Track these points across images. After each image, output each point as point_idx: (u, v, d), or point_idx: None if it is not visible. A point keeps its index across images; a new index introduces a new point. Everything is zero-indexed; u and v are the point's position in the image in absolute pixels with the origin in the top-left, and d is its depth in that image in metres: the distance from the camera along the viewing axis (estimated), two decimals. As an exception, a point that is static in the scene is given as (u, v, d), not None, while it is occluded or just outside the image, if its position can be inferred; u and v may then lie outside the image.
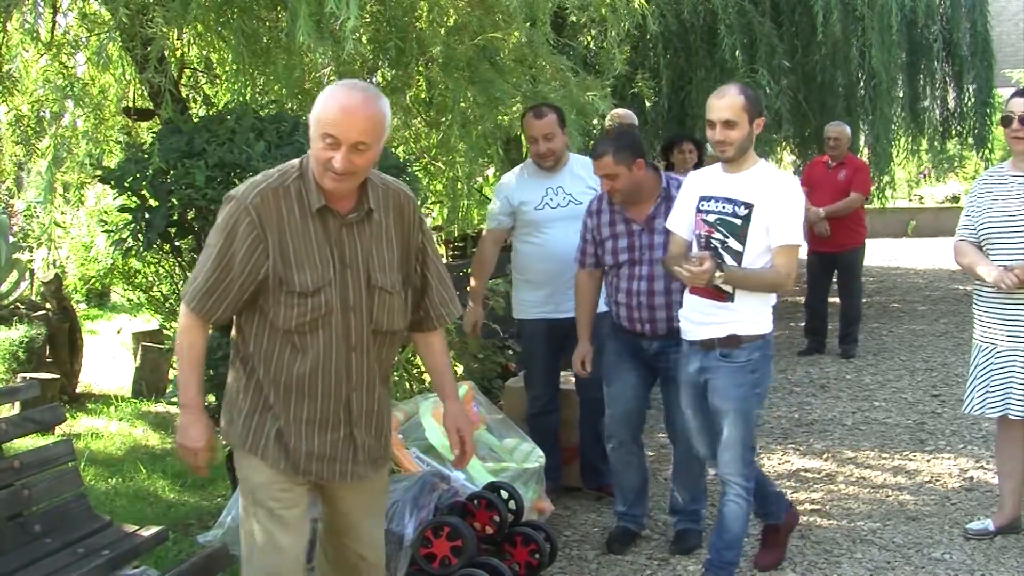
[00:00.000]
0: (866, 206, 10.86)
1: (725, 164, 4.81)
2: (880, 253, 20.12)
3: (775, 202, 4.66)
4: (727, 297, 4.74)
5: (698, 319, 4.86)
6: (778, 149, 15.58)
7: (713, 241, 4.75)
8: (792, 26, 12.58)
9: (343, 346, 3.43)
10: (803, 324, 11.19)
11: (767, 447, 7.45)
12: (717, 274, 4.55)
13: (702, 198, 4.84)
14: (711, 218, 4.78)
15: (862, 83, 13.51)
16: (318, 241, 3.37)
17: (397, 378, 6.86)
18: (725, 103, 4.66)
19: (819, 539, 5.69)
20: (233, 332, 3.56)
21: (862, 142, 14.15)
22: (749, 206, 4.68)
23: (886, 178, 14.50)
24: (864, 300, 13.20)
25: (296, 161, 3.44)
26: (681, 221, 4.98)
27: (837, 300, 10.87)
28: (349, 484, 3.63)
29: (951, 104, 15.45)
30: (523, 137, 6.69)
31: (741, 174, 4.76)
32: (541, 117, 6.01)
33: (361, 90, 3.29)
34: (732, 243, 4.71)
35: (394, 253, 3.54)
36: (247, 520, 3.56)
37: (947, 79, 14.98)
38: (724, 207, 4.74)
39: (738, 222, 4.70)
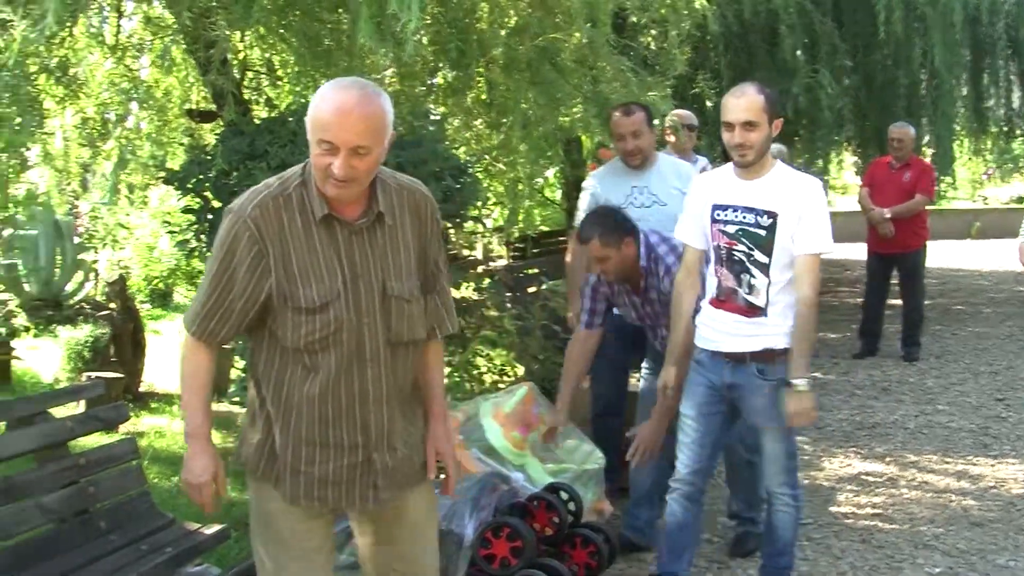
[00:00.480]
0: (930, 207, 10.72)
1: (741, 169, 4.46)
2: (942, 255, 19.88)
3: (801, 209, 4.35)
4: (759, 312, 4.44)
5: (726, 329, 4.52)
6: (839, 150, 15.45)
7: (736, 253, 4.45)
8: (853, 25, 12.46)
9: (357, 363, 3.12)
10: (854, 327, 11.07)
11: (828, 450, 7.39)
12: (801, 385, 4.31)
13: (716, 207, 4.51)
14: (731, 229, 4.45)
15: (924, 82, 13.36)
16: (324, 252, 3.07)
17: (458, 379, 6.87)
18: (744, 103, 4.33)
19: (881, 544, 5.63)
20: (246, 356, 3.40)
21: (924, 142, 13.98)
22: (773, 215, 4.36)
23: (947, 179, 14.31)
24: (927, 302, 13.07)
25: (298, 167, 3.14)
26: (693, 230, 4.68)
27: (898, 302, 10.75)
28: (379, 511, 3.34)
29: (1016, 103, 15.22)
30: (608, 136, 6.66)
31: (760, 180, 4.43)
32: (629, 114, 6.01)
33: (358, 88, 2.97)
34: (758, 255, 4.40)
35: (411, 257, 3.23)
36: (257, 549, 3.34)
37: (1011, 78, 14.74)
38: (745, 217, 4.42)
39: (762, 233, 4.38)
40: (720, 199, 4.50)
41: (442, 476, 3.50)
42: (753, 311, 4.44)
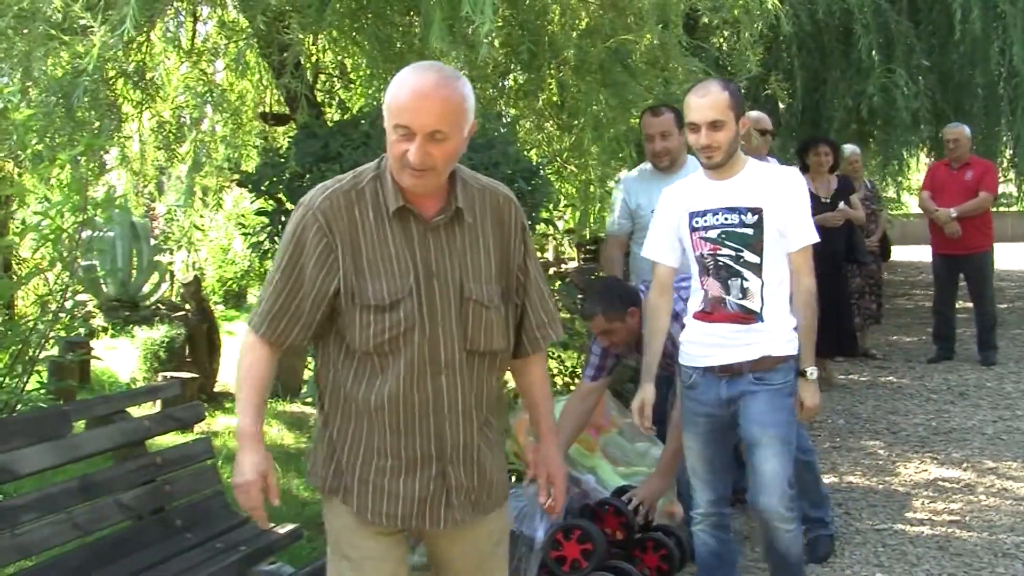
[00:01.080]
0: (1007, 209, 10.57)
1: (711, 171, 4.20)
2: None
3: (785, 200, 4.14)
4: (755, 317, 4.15)
5: (717, 342, 4.21)
6: (915, 151, 15.26)
7: (721, 259, 4.14)
8: (929, 24, 12.31)
9: (430, 368, 2.92)
10: (930, 331, 10.94)
11: (903, 455, 7.30)
12: (809, 372, 4.23)
13: (693, 214, 4.21)
14: (713, 234, 4.16)
15: (1002, 82, 13.15)
16: (396, 247, 2.89)
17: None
18: (709, 102, 4.06)
19: (959, 551, 5.54)
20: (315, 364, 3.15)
21: (1003, 143, 13.77)
22: (757, 211, 4.11)
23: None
24: (1005, 305, 12.87)
25: (372, 163, 2.99)
26: (663, 246, 4.39)
27: (970, 305, 10.59)
28: (446, 531, 3.09)
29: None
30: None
31: (736, 178, 4.18)
32: (658, 115, 5.93)
33: (436, 71, 2.82)
34: (748, 256, 4.12)
35: (491, 261, 3.01)
36: (331, 570, 3.15)
37: (1093, 77, 14.47)
38: (727, 218, 4.14)
39: (749, 231, 4.11)
40: (696, 206, 4.22)
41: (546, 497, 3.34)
42: (748, 317, 4.16)
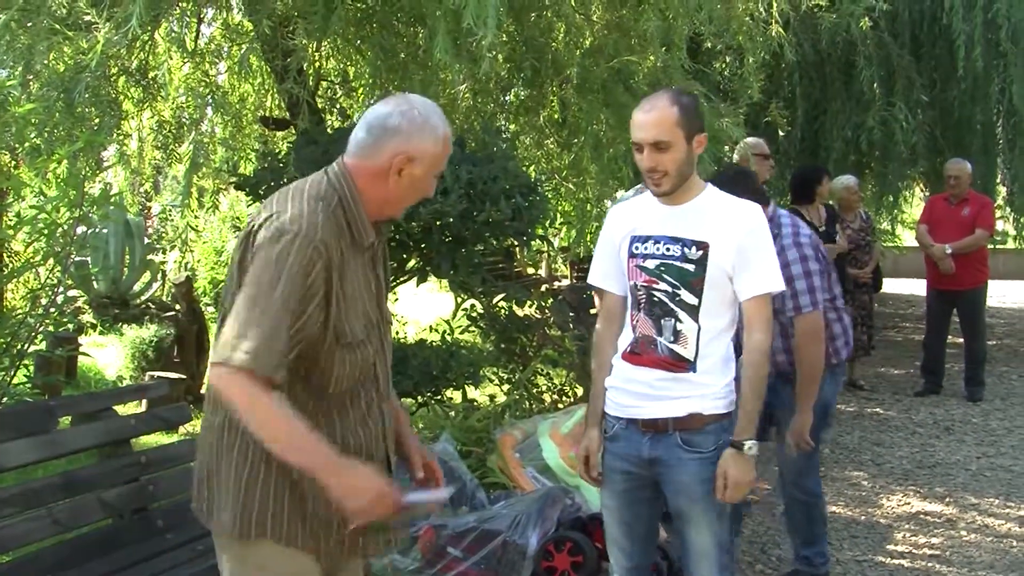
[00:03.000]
0: (1002, 246, 10.59)
1: (660, 197, 3.64)
2: (1016, 294, 19.63)
3: (739, 239, 3.54)
4: (686, 366, 3.59)
5: (642, 391, 3.64)
6: (911, 185, 15.30)
7: (656, 294, 3.59)
8: (931, 60, 12.35)
9: (377, 399, 2.90)
10: (918, 364, 10.95)
11: (887, 487, 7.30)
12: (747, 447, 3.51)
13: (635, 238, 3.68)
14: (651, 264, 3.61)
15: (1001, 120, 13.20)
16: (361, 280, 2.82)
17: (517, 397, 6.87)
18: (653, 119, 3.49)
19: (939, 585, 5.56)
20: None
21: (999, 180, 13.81)
22: (703, 246, 3.54)
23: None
24: (994, 342, 12.87)
25: (325, 186, 2.82)
26: (608, 272, 3.84)
27: (959, 340, 10.61)
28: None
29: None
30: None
31: (686, 206, 3.61)
32: None
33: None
34: (685, 295, 3.56)
35: (386, 271, 3.08)
36: None
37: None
38: (669, 249, 3.58)
39: (691, 268, 3.55)
40: (640, 230, 3.69)
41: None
42: (679, 364, 3.58)
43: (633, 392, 3.66)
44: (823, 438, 5.38)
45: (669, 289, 3.57)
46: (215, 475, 2.79)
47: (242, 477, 2.73)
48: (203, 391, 9.57)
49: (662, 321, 3.58)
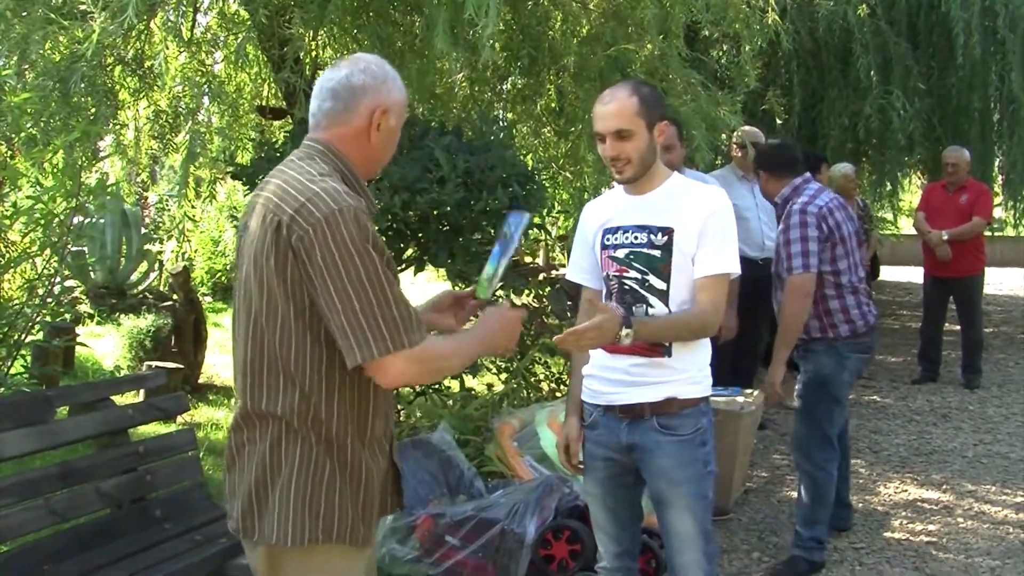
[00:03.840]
0: (1000, 234, 10.58)
1: (627, 186, 3.74)
2: (1013, 282, 19.63)
3: (702, 222, 3.59)
4: (662, 351, 3.63)
5: (618, 378, 3.70)
6: (909, 173, 15.30)
7: (627, 282, 3.67)
8: (929, 47, 12.33)
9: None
10: (915, 351, 10.96)
11: (884, 475, 7.30)
12: (624, 332, 3.38)
13: (606, 231, 3.76)
14: (621, 253, 3.69)
15: (999, 107, 13.19)
16: None
17: (515, 386, 6.88)
18: (613, 109, 3.58)
19: (934, 572, 5.54)
20: (290, 399, 2.68)
21: (996, 168, 13.81)
22: (668, 231, 3.61)
23: (1022, 205, 14.11)
24: (991, 330, 12.88)
25: (319, 164, 2.77)
26: (584, 266, 3.91)
27: (956, 327, 10.62)
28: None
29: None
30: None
31: (651, 194, 3.70)
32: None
33: None
34: (653, 280, 3.63)
35: None
36: None
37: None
38: (636, 237, 3.67)
39: (657, 253, 3.62)
40: (609, 221, 3.78)
41: None
42: (654, 349, 3.63)
43: (609, 379, 3.73)
44: (825, 415, 5.49)
45: (639, 276, 3.65)
46: (268, 489, 2.71)
47: (308, 484, 2.69)
48: (200, 381, 9.60)
49: (634, 308, 3.63)
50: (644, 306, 3.63)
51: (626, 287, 3.67)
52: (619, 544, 3.91)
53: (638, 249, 3.65)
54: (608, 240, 3.73)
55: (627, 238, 3.68)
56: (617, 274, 3.69)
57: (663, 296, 3.61)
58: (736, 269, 3.66)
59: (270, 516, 2.70)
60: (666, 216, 3.63)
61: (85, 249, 12.00)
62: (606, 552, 3.95)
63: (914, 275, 13.43)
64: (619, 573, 3.95)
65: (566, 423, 3.92)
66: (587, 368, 3.84)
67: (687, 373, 3.65)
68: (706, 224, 3.59)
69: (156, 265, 14.17)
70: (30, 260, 5.82)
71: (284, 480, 2.69)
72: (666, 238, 3.60)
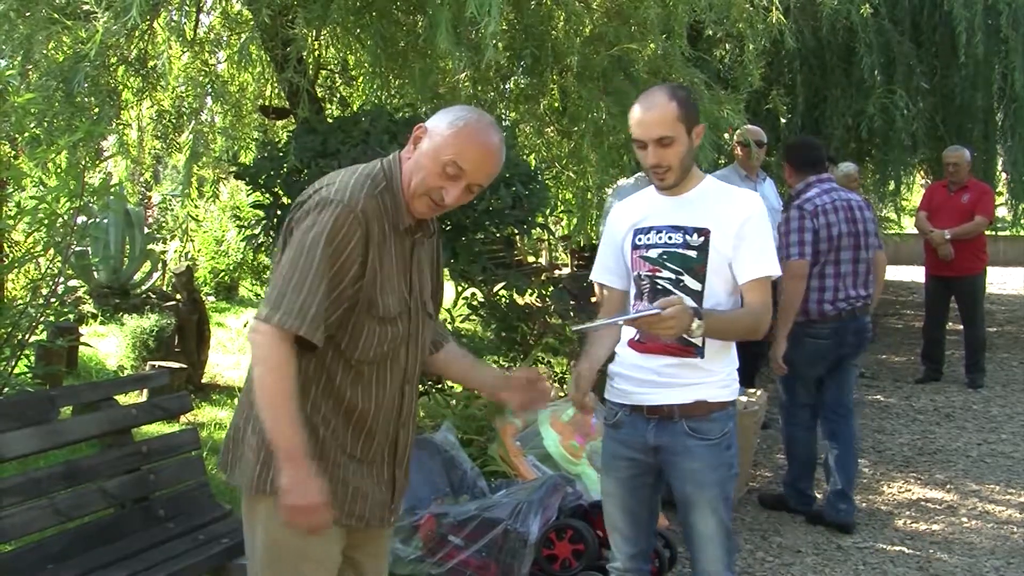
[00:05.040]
0: (1003, 233, 10.58)
1: (664, 191, 3.74)
2: (1016, 281, 19.60)
3: (738, 225, 3.61)
4: (694, 352, 3.63)
5: (648, 378, 3.70)
6: (912, 172, 15.27)
7: (660, 282, 3.66)
8: (932, 46, 12.32)
9: (401, 379, 3.02)
10: (919, 351, 10.95)
11: (887, 474, 7.30)
12: (695, 324, 3.36)
13: (637, 231, 3.76)
14: (654, 253, 3.68)
15: (1002, 107, 13.17)
16: (398, 262, 2.94)
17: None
18: (655, 116, 3.56)
19: (938, 572, 5.54)
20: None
21: (999, 167, 13.79)
22: (704, 232, 3.62)
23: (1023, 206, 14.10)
24: (995, 329, 12.86)
25: (376, 167, 2.97)
26: (610, 267, 3.91)
27: (959, 327, 10.60)
28: (377, 531, 3.17)
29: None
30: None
31: (687, 195, 3.71)
32: None
33: (498, 133, 2.95)
34: (688, 281, 3.63)
35: (436, 274, 3.21)
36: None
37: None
38: (671, 237, 3.66)
39: (693, 254, 3.62)
40: (642, 222, 3.77)
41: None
42: (686, 350, 3.63)
43: (638, 379, 3.72)
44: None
45: (672, 276, 3.64)
46: (240, 436, 3.00)
47: (263, 437, 2.82)
48: (204, 380, 9.60)
49: None
50: None
51: (659, 287, 3.66)
52: (634, 545, 3.92)
53: (672, 249, 3.66)
54: (640, 240, 3.73)
55: (660, 238, 3.68)
56: (649, 274, 3.69)
57: (697, 297, 3.61)
58: (778, 271, 3.71)
59: (238, 462, 3.00)
60: (702, 217, 3.64)
61: (89, 249, 12.01)
62: (620, 553, 3.94)
63: (917, 275, 13.42)
64: (631, 575, 3.95)
65: (579, 363, 3.86)
66: (614, 367, 3.85)
67: (718, 376, 3.67)
68: (744, 227, 3.61)
69: (159, 265, 14.17)
70: (34, 260, 5.82)
71: (249, 430, 2.94)
72: (702, 239, 3.62)
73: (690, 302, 3.48)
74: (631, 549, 3.91)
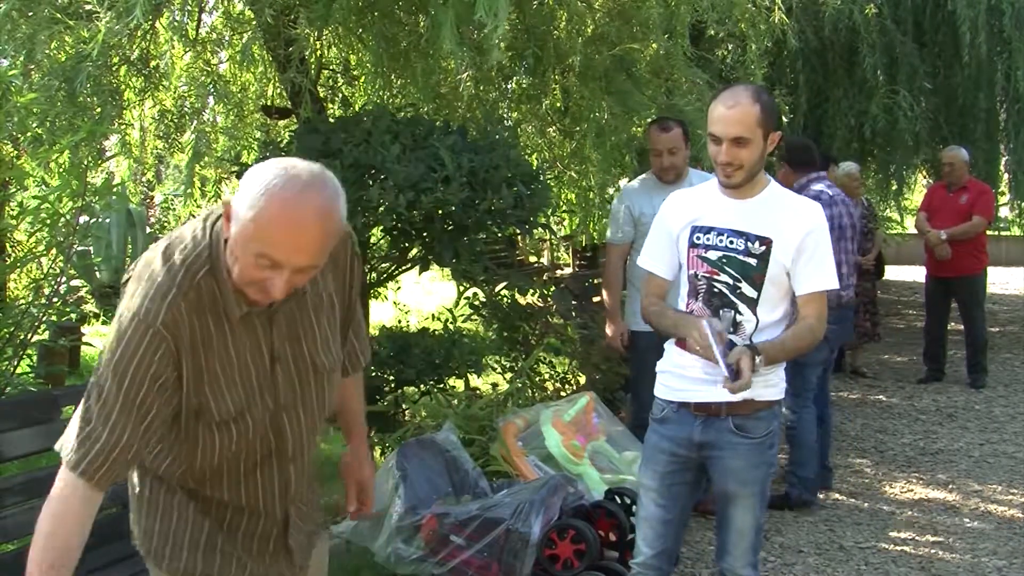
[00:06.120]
0: (1006, 233, 10.59)
1: (729, 188, 3.74)
2: (1018, 281, 19.60)
3: (800, 237, 3.63)
4: None
5: (695, 375, 3.74)
6: (915, 172, 15.28)
7: (717, 285, 3.70)
8: (935, 47, 12.33)
9: (277, 461, 2.68)
10: (921, 351, 10.95)
11: (889, 474, 7.30)
12: (757, 360, 3.47)
13: (697, 228, 3.75)
14: (713, 255, 3.70)
15: (1005, 106, 13.17)
16: (238, 350, 2.50)
17: (520, 385, 6.87)
18: (736, 115, 3.56)
19: (940, 572, 5.54)
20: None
21: (1002, 167, 13.79)
22: (767, 242, 3.64)
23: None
24: (997, 329, 12.86)
25: (202, 245, 2.45)
26: (661, 256, 3.92)
27: (961, 327, 10.60)
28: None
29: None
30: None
31: (751, 200, 3.71)
32: (667, 131, 5.90)
33: (317, 199, 2.30)
34: (745, 288, 3.67)
35: (335, 317, 2.71)
36: None
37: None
38: (732, 242, 3.68)
39: (753, 262, 3.65)
40: (702, 220, 3.76)
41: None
42: None
43: (687, 376, 3.78)
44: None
45: (730, 281, 3.69)
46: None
47: (133, 499, 2.80)
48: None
49: (721, 312, 3.70)
50: (732, 311, 3.69)
51: (715, 290, 3.71)
52: (663, 542, 3.93)
53: (732, 254, 3.68)
54: (699, 239, 3.75)
55: (721, 241, 3.70)
56: (707, 275, 3.72)
57: (752, 304, 3.68)
58: (836, 284, 3.76)
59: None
60: (765, 226, 3.66)
61: (91, 249, 11.98)
62: (646, 545, 3.95)
63: (920, 275, 13.43)
64: (653, 571, 3.96)
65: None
66: (662, 365, 3.93)
67: (765, 376, 3.66)
68: (807, 240, 3.65)
69: (161, 265, 14.16)
70: (36, 260, 5.82)
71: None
72: (764, 248, 3.65)
73: (743, 340, 3.62)
74: (658, 547, 3.93)
